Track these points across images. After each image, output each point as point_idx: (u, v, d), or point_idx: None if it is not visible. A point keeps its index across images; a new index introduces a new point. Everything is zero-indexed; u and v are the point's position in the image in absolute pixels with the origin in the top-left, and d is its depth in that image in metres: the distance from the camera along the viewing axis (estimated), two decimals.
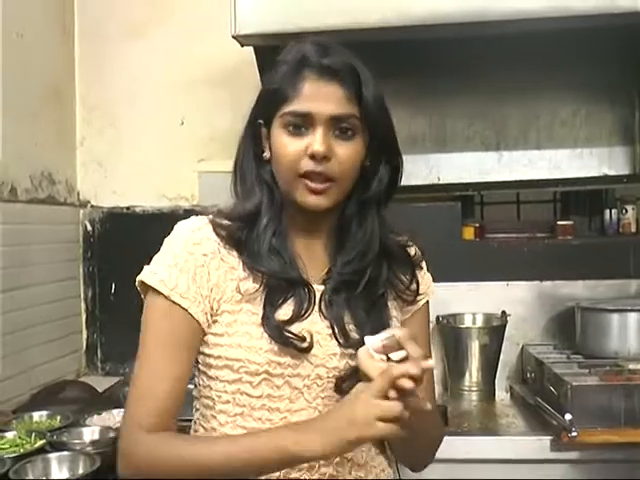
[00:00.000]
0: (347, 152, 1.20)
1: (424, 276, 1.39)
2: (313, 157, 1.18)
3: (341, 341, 1.22)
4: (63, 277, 2.52)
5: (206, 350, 1.21)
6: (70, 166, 2.63)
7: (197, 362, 1.24)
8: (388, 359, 1.09)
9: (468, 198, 2.63)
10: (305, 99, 1.18)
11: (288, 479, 1.17)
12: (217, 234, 1.22)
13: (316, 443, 1.07)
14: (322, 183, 1.19)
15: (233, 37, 1.97)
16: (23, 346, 2.23)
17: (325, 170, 1.18)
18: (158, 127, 2.61)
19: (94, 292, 2.66)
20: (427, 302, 1.41)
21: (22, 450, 1.67)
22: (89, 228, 2.66)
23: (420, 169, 2.42)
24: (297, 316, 1.20)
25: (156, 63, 2.60)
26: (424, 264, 1.40)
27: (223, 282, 1.20)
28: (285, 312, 1.20)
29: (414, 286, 1.34)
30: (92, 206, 2.67)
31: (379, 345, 1.09)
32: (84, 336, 2.67)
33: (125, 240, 2.56)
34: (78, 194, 2.67)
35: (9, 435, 1.76)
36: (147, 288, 1.21)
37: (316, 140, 1.17)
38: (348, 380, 1.21)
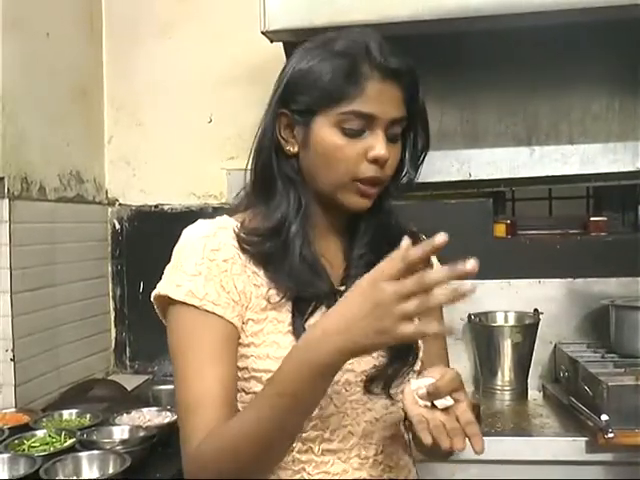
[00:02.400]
0: (396, 155, 1.17)
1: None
2: (375, 162, 1.13)
3: None
4: (91, 275, 2.53)
5: None
6: (98, 164, 2.63)
7: None
8: (433, 405, 1.04)
9: (499, 194, 2.60)
10: (370, 100, 1.11)
11: None
12: (243, 249, 1.16)
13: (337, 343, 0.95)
14: (374, 187, 1.16)
15: (262, 33, 1.96)
16: (52, 344, 2.24)
17: (381, 175, 1.15)
18: (186, 125, 2.61)
19: (122, 290, 2.66)
20: None
21: (52, 449, 1.67)
22: (117, 226, 2.67)
23: (451, 165, 2.38)
24: None
25: (184, 61, 2.59)
26: (434, 258, 1.29)
27: (248, 288, 1.15)
28: (315, 320, 1.14)
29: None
30: (120, 204, 2.67)
31: (423, 392, 1.04)
32: (113, 334, 2.67)
33: (153, 238, 2.56)
34: (106, 192, 2.67)
35: (39, 433, 1.76)
36: (169, 302, 1.14)
37: (380, 144, 1.12)
38: (376, 380, 1.18)
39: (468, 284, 0.85)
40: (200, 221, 1.21)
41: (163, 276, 1.18)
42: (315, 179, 1.18)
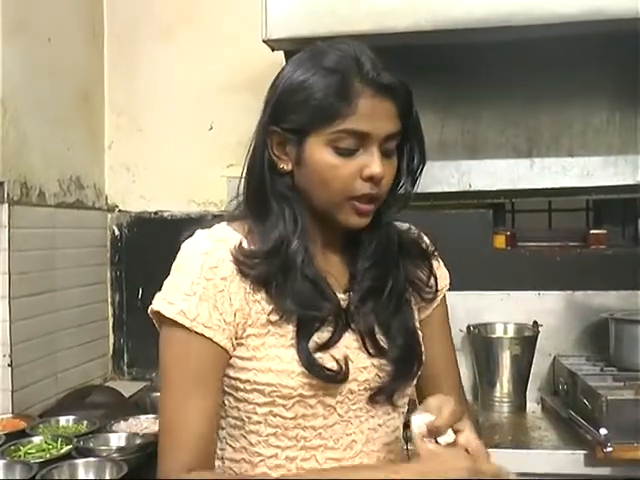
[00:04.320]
0: (391, 171, 1.16)
1: (440, 269, 1.34)
2: (370, 179, 1.11)
3: (372, 352, 1.18)
4: (90, 281, 2.53)
5: (231, 373, 1.14)
6: (98, 170, 2.63)
7: None
8: (436, 441, 1.06)
9: (499, 206, 2.60)
10: (362, 117, 1.08)
11: None
12: (242, 272, 1.12)
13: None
14: (371, 204, 1.14)
15: (264, 41, 1.96)
16: (50, 350, 2.23)
17: (377, 192, 1.13)
18: (187, 132, 2.61)
19: (121, 297, 2.66)
20: (444, 296, 1.36)
21: (49, 455, 1.67)
22: (117, 233, 2.66)
23: (451, 176, 2.37)
24: (333, 342, 1.14)
25: (185, 67, 2.60)
26: (439, 258, 1.34)
27: (246, 305, 1.12)
28: (319, 337, 1.13)
29: (432, 281, 1.29)
30: (120, 211, 2.67)
31: (424, 429, 1.06)
32: (111, 341, 2.67)
33: (153, 245, 2.55)
34: (106, 198, 2.67)
35: (36, 440, 1.76)
36: (164, 318, 1.12)
37: (374, 162, 1.10)
38: (380, 393, 1.19)
39: None
40: (198, 233, 1.17)
41: (161, 290, 1.16)
42: (311, 197, 1.16)
